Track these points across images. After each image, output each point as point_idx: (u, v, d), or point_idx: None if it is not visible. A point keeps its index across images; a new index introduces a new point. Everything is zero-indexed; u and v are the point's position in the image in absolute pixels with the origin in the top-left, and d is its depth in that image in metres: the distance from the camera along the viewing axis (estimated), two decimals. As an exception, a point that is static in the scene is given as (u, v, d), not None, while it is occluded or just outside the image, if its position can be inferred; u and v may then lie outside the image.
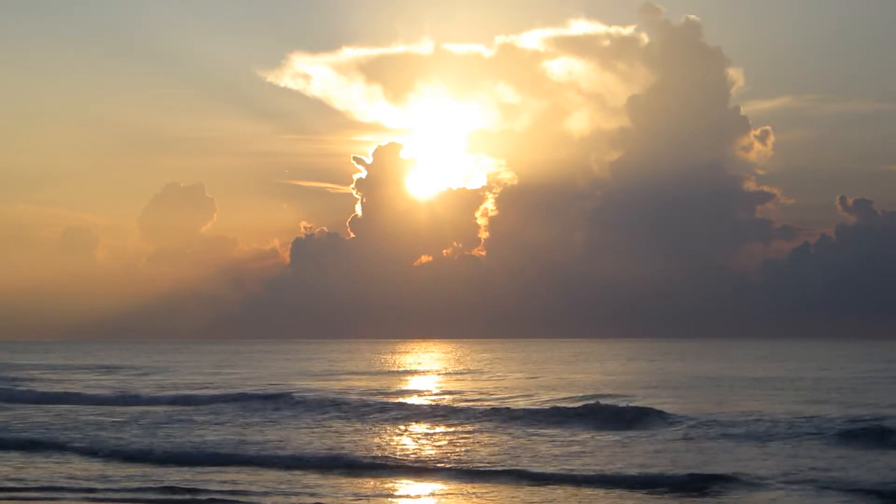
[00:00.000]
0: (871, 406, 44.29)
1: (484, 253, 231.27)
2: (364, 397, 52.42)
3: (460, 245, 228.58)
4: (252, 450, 32.64)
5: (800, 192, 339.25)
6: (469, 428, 38.64)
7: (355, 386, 65.66)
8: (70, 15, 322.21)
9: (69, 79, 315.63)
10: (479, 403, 48.45)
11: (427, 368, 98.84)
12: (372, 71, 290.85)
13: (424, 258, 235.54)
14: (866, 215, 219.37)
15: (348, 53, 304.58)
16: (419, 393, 58.82)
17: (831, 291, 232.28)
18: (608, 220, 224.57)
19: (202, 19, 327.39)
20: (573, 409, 42.19)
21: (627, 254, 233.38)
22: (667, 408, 42.21)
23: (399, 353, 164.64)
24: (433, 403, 48.99)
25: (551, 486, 25.52)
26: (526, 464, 28.94)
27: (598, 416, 39.85)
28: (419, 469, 28.98)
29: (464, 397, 54.26)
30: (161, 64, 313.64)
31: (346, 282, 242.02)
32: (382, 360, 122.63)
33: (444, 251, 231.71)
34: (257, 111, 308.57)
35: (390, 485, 26.85)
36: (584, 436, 35.68)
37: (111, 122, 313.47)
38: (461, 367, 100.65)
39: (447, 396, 55.17)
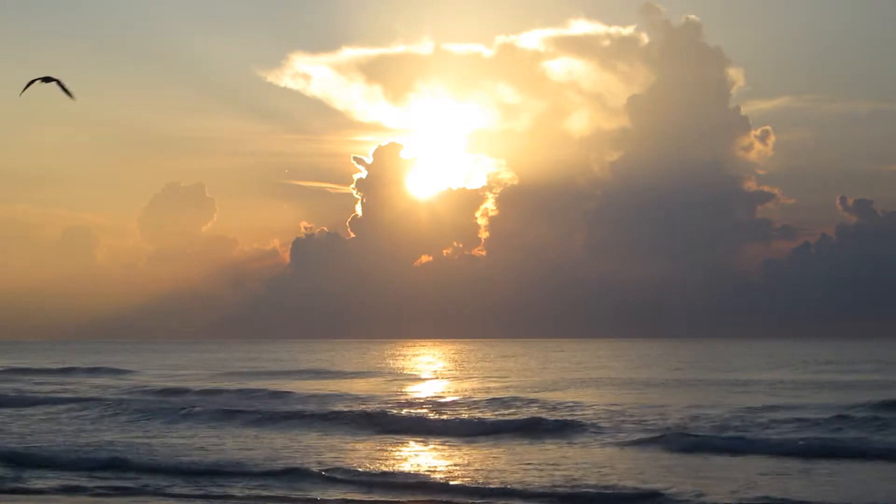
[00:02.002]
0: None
1: (484, 253, 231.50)
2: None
3: (460, 245, 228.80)
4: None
5: (800, 192, 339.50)
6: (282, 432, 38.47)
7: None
8: (70, 15, 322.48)
9: (69, 79, 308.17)
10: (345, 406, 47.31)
11: (368, 369, 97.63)
12: (372, 71, 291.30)
13: (424, 258, 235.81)
14: (866, 215, 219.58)
15: (348, 53, 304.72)
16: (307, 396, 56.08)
17: (831, 291, 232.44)
18: (608, 221, 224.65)
19: (202, 19, 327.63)
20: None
21: (627, 254, 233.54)
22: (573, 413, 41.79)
23: (379, 353, 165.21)
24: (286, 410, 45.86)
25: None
26: (431, 475, 27.74)
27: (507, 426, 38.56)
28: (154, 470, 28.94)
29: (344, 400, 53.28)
30: (161, 64, 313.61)
31: (346, 282, 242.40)
32: (339, 361, 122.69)
33: (444, 251, 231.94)
34: (257, 111, 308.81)
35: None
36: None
37: (111, 122, 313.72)
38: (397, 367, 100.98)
39: (318, 399, 53.34)
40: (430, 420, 40.85)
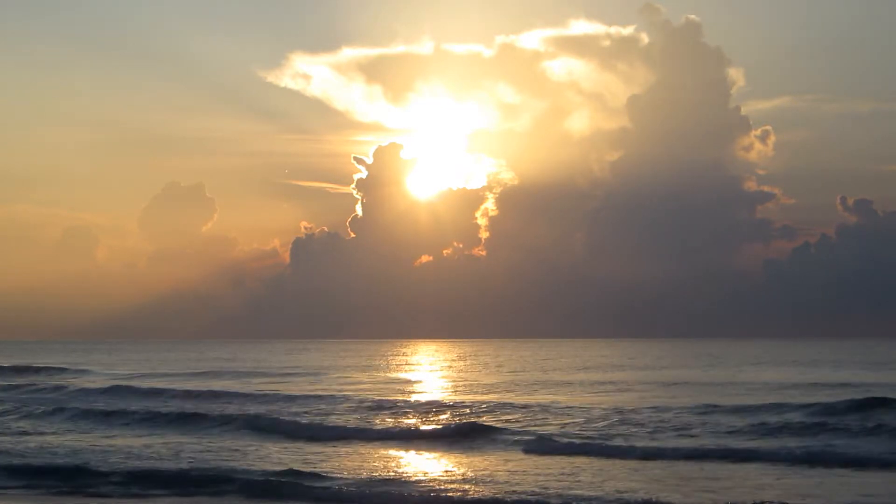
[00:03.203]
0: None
1: (484, 253, 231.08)
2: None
3: (460, 245, 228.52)
4: None
5: (800, 192, 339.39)
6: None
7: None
8: (70, 15, 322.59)
9: (69, 79, 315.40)
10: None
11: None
12: (372, 71, 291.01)
13: (425, 258, 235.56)
14: (866, 215, 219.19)
15: (348, 53, 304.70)
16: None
17: (831, 291, 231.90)
18: (608, 221, 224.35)
19: (202, 19, 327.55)
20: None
21: (627, 254, 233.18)
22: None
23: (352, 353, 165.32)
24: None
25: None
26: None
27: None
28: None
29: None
30: (161, 64, 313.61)
31: (346, 282, 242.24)
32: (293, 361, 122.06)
33: (445, 251, 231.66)
34: (257, 111, 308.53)
35: None
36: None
37: (111, 122, 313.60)
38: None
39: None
40: (302, 424, 40.33)
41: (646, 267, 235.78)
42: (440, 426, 39.08)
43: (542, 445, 32.72)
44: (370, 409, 46.25)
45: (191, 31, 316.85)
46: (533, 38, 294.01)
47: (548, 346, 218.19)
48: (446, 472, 28.32)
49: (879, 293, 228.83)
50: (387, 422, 41.41)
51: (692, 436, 34.82)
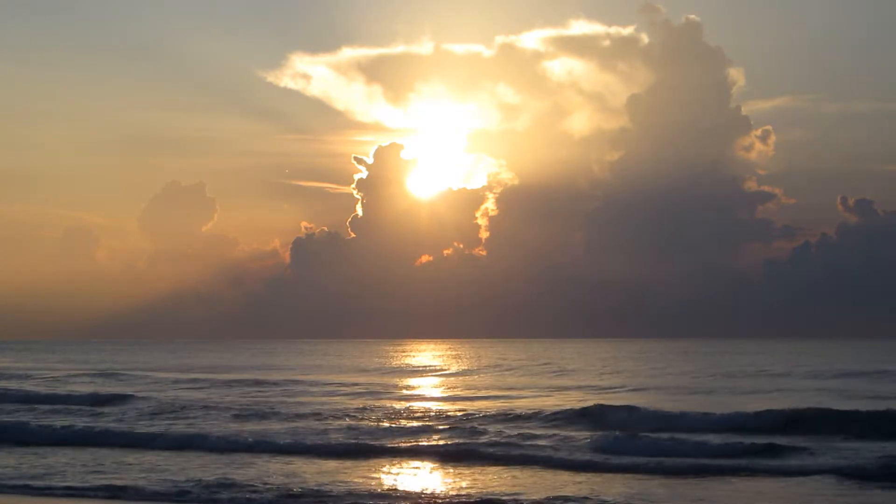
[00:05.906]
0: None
1: (484, 253, 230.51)
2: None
3: (461, 245, 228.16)
4: None
5: (801, 192, 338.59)
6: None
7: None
8: (70, 15, 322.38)
9: (69, 79, 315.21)
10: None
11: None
12: (372, 71, 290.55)
13: (425, 258, 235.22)
14: (867, 215, 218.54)
15: (348, 53, 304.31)
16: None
17: (832, 291, 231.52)
18: (608, 221, 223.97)
19: (202, 19, 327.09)
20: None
21: (628, 254, 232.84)
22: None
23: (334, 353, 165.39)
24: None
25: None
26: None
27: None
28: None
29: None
30: (161, 64, 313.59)
31: (347, 282, 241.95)
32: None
33: (445, 251, 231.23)
34: (257, 111, 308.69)
35: None
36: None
37: (111, 122, 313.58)
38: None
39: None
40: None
41: (646, 267, 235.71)
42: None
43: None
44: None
45: (191, 31, 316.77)
46: (533, 38, 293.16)
47: (542, 346, 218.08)
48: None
49: (880, 293, 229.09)
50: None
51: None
